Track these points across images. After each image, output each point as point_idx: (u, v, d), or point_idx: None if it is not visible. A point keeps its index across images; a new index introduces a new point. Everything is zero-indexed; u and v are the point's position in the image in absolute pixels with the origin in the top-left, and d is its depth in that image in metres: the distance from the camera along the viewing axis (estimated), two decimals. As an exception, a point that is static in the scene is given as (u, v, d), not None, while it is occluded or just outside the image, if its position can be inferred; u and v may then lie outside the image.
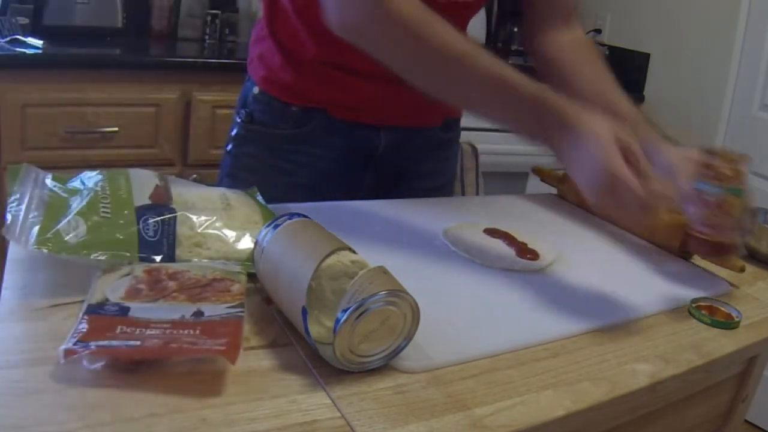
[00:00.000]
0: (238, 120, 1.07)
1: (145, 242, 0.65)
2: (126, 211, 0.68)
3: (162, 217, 0.68)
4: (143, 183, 0.73)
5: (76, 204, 0.68)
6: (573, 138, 0.72)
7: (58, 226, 0.64)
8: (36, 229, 0.63)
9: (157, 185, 0.74)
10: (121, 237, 0.65)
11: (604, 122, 0.71)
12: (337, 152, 1.04)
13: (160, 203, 0.70)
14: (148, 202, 0.70)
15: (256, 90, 1.05)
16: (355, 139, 1.04)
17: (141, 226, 0.66)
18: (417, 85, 0.82)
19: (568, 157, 0.75)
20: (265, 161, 1.05)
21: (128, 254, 0.64)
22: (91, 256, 0.62)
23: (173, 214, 0.68)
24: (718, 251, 0.83)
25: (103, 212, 0.67)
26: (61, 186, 0.72)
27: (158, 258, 0.65)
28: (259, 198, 0.83)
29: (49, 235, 0.62)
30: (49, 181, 0.73)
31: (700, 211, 0.79)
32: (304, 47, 0.98)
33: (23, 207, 0.66)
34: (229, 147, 1.09)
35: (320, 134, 1.03)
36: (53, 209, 0.67)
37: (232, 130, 1.09)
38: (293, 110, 1.02)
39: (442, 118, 1.13)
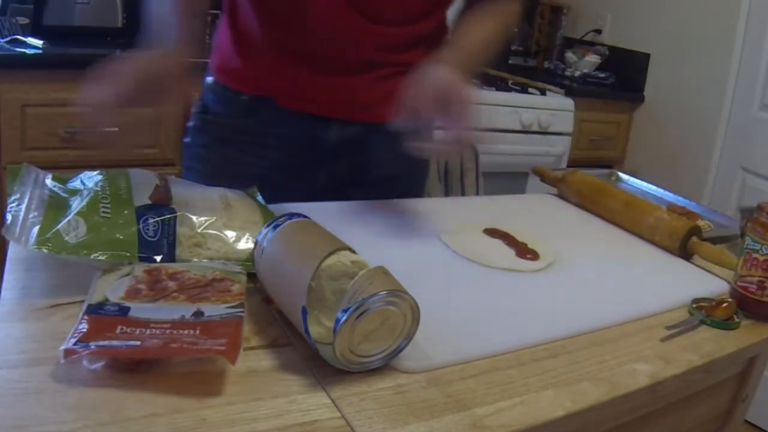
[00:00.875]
0: (194, 110, 1.07)
1: (145, 242, 0.65)
2: (126, 211, 0.68)
3: (162, 217, 0.68)
4: (143, 183, 0.73)
5: (76, 204, 0.68)
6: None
7: (58, 226, 0.64)
8: (36, 229, 0.63)
9: (157, 185, 0.74)
10: (121, 237, 0.65)
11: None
12: (287, 144, 1.03)
13: (160, 203, 0.70)
14: (147, 202, 0.70)
15: (210, 79, 1.05)
16: (305, 130, 1.02)
17: (141, 226, 0.66)
18: None
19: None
20: (216, 151, 1.04)
21: (128, 254, 0.64)
22: (91, 256, 0.62)
23: (173, 214, 0.68)
24: None
25: (103, 212, 0.67)
26: (61, 186, 0.72)
27: (158, 258, 0.65)
28: (259, 198, 0.83)
29: (49, 235, 0.62)
30: (49, 181, 0.73)
31: (751, 270, 0.76)
32: (255, 34, 0.98)
33: (23, 207, 0.66)
34: (186, 138, 1.09)
35: (269, 124, 1.02)
36: (53, 209, 0.67)
37: (188, 122, 1.09)
38: (243, 99, 1.01)
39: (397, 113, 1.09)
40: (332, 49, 0.95)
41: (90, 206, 0.67)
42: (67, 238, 0.63)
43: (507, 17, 1.03)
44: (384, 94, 0.98)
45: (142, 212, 0.68)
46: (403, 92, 0.82)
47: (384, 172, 1.09)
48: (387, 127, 1.04)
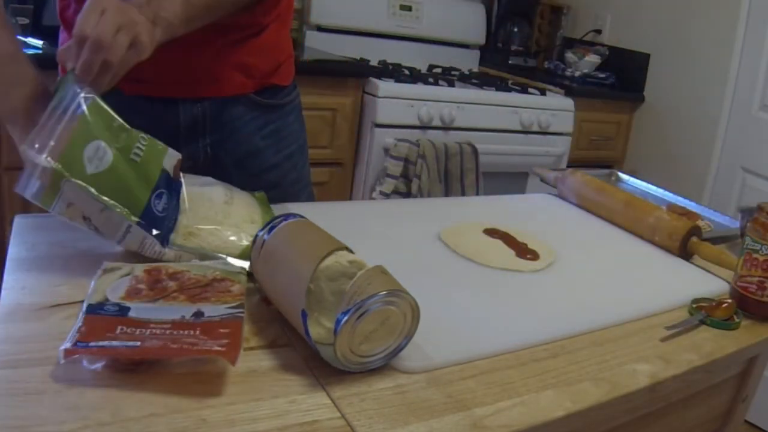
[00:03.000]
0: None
1: (150, 214, 0.66)
2: (154, 167, 0.69)
3: (171, 200, 0.69)
4: (172, 156, 0.75)
5: (117, 130, 0.68)
6: None
7: (86, 150, 0.63)
8: (65, 143, 0.62)
9: (179, 160, 0.75)
10: (132, 193, 0.65)
11: None
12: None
13: (178, 179, 0.73)
14: (171, 173, 0.72)
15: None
16: (151, 116, 0.94)
17: (153, 197, 0.67)
18: None
19: None
20: None
21: (127, 212, 0.64)
22: (99, 195, 0.63)
23: (180, 202, 0.70)
24: None
25: (134, 155, 0.68)
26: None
27: (154, 232, 0.66)
28: (267, 203, 0.83)
29: (73, 155, 0.62)
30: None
31: (751, 271, 0.76)
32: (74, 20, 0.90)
33: (59, 112, 0.64)
34: None
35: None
36: (94, 120, 0.66)
37: None
38: None
39: (255, 83, 1.01)
40: None
41: (129, 140, 0.68)
42: (88, 164, 0.63)
43: None
44: (231, 64, 0.94)
45: (162, 179, 0.69)
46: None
47: (245, 149, 1.02)
48: (240, 100, 0.99)
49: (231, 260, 0.68)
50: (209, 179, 0.81)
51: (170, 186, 0.71)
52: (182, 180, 0.75)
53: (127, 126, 0.70)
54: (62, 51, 0.72)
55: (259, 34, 0.94)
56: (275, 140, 1.06)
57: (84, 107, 0.66)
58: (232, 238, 0.71)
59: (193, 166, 0.98)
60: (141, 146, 0.69)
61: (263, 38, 0.97)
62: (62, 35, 1.00)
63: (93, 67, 0.69)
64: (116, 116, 0.70)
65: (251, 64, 0.92)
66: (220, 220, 0.72)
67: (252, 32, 0.92)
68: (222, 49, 0.94)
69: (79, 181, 0.62)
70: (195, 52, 0.93)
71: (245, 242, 0.70)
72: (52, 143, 0.62)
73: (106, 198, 0.63)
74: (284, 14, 1.04)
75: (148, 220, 0.66)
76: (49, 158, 0.61)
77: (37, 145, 0.61)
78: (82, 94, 0.67)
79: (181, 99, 0.97)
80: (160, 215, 0.67)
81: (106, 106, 0.69)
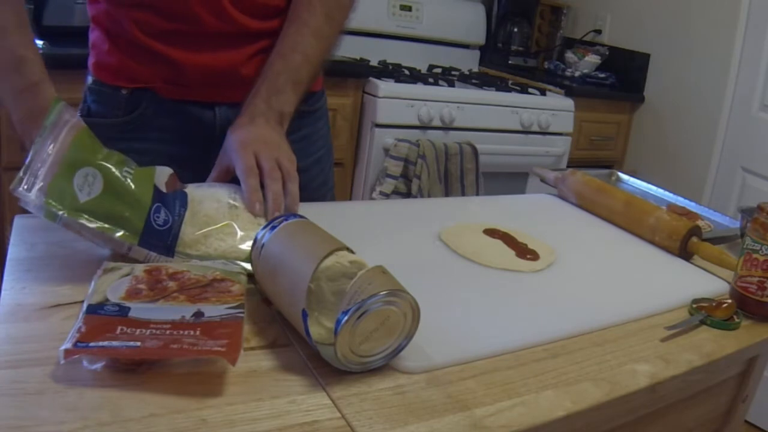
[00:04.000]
0: (78, 116, 1.05)
1: (151, 230, 0.66)
2: (146, 185, 0.68)
3: (172, 209, 0.69)
4: (162, 172, 0.75)
5: (105, 156, 0.68)
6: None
7: (75, 177, 0.63)
8: (51, 178, 0.62)
9: (171, 174, 0.75)
10: (128, 214, 0.65)
11: None
12: (173, 135, 0.99)
13: (174, 189, 0.72)
14: (164, 189, 0.71)
15: (90, 80, 1.02)
16: (189, 119, 0.99)
17: (153, 212, 0.66)
18: None
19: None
20: None
21: (127, 233, 0.64)
22: (91, 225, 0.62)
23: (183, 208, 0.69)
24: None
25: (126, 173, 0.67)
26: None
27: (156, 248, 0.66)
28: None
29: (61, 187, 0.62)
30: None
31: (751, 271, 0.77)
32: (123, 26, 0.95)
33: (44, 141, 0.64)
34: None
35: (153, 117, 0.98)
36: (78, 151, 0.65)
37: None
38: (123, 94, 0.98)
39: None
40: (195, 24, 0.91)
41: (118, 163, 0.67)
42: (79, 193, 0.62)
43: (331, 14, 0.97)
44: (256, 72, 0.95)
45: (158, 195, 0.69)
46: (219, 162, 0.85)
47: None
48: None
49: (235, 263, 0.68)
50: (213, 183, 0.81)
51: (168, 198, 0.70)
52: (186, 189, 0.74)
53: (115, 152, 0.70)
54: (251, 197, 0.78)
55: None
56: (305, 145, 1.07)
57: (70, 136, 0.66)
58: (239, 242, 0.70)
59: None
60: (129, 169, 0.68)
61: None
62: (93, 34, 1.02)
63: (279, 198, 0.78)
64: (102, 146, 0.70)
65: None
66: (228, 223, 0.72)
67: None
68: (258, 55, 0.96)
69: (73, 215, 0.62)
70: (232, 59, 0.95)
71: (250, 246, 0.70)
72: (39, 182, 0.62)
73: (101, 224, 0.63)
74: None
75: (149, 236, 0.65)
76: (39, 195, 0.61)
77: (25, 186, 0.61)
78: (69, 123, 0.68)
79: (218, 103, 0.99)
80: (161, 228, 0.67)
81: (92, 134, 0.70)
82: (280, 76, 0.91)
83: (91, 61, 1.02)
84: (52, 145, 0.64)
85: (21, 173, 0.62)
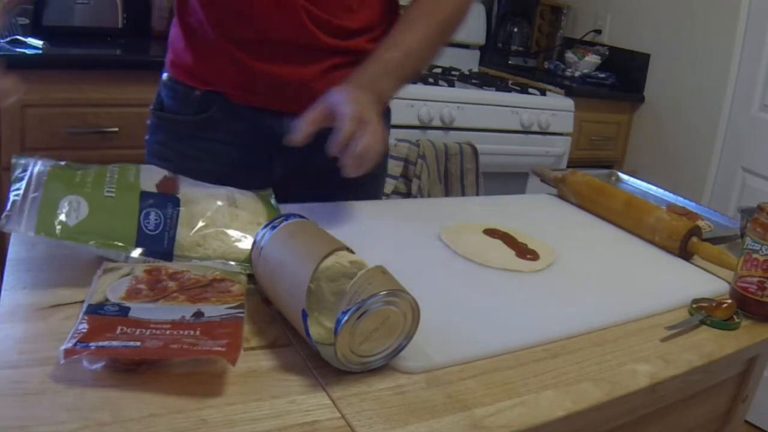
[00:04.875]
0: (150, 108, 1.07)
1: (145, 235, 0.65)
2: (131, 194, 0.68)
3: (164, 211, 0.68)
4: (153, 174, 0.74)
5: (82, 176, 0.68)
6: None
7: (59, 207, 0.63)
8: (36, 211, 0.63)
9: (165, 176, 0.74)
10: (119, 226, 0.65)
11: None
12: (241, 139, 1.02)
13: (167, 192, 0.71)
14: (154, 190, 0.70)
15: (165, 76, 1.05)
16: (257, 125, 1.01)
17: (142, 218, 0.66)
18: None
19: None
20: (173, 149, 1.04)
21: (123, 245, 0.64)
22: (89, 243, 0.63)
23: (176, 208, 0.69)
24: None
25: (108, 191, 0.67)
26: (69, 162, 0.72)
27: (156, 252, 0.65)
28: (273, 201, 0.82)
29: (48, 218, 0.62)
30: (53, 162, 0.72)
31: (751, 271, 0.76)
32: (204, 27, 0.98)
33: (22, 188, 0.66)
34: (146, 137, 1.09)
35: (222, 120, 1.01)
36: (56, 181, 0.66)
37: (147, 120, 1.08)
38: (196, 94, 1.01)
39: None
40: (278, 34, 0.94)
41: (96, 182, 0.67)
42: (67, 219, 0.63)
43: (448, 8, 1.00)
44: (336, 84, 0.97)
45: (146, 198, 0.68)
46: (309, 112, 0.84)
47: (333, 162, 1.08)
48: None
49: (234, 264, 0.68)
50: (209, 184, 0.81)
51: (159, 199, 0.70)
52: (180, 188, 0.74)
53: (91, 171, 0.70)
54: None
55: (358, 61, 0.97)
56: None
57: (43, 177, 0.67)
58: (238, 242, 0.70)
59: (283, 174, 1.04)
60: (111, 187, 0.68)
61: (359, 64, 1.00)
62: (172, 30, 1.05)
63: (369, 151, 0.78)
64: (77, 171, 0.70)
65: None
66: (227, 223, 0.71)
67: (359, 58, 0.95)
68: (330, 72, 0.98)
69: (67, 238, 0.62)
70: (305, 73, 0.98)
71: (250, 245, 0.70)
72: (26, 221, 0.62)
73: (96, 240, 0.63)
74: None
75: (143, 242, 0.65)
76: (29, 229, 0.61)
77: (15, 225, 0.62)
78: (38, 166, 0.68)
79: (287, 113, 1.00)
80: (154, 233, 0.66)
81: (64, 165, 0.70)
82: (390, 63, 0.93)
83: (168, 58, 1.05)
84: (27, 190, 0.65)
85: (6, 213, 0.62)
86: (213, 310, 0.57)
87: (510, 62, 2.82)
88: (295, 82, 0.99)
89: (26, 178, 0.67)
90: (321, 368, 0.55)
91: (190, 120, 1.02)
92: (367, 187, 1.13)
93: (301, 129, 0.80)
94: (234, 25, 0.96)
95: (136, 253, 0.65)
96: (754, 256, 0.76)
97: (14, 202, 0.64)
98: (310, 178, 1.06)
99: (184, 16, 1.01)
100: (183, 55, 1.01)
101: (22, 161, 0.69)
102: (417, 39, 0.96)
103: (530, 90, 2.36)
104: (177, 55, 1.03)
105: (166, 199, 0.69)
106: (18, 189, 0.65)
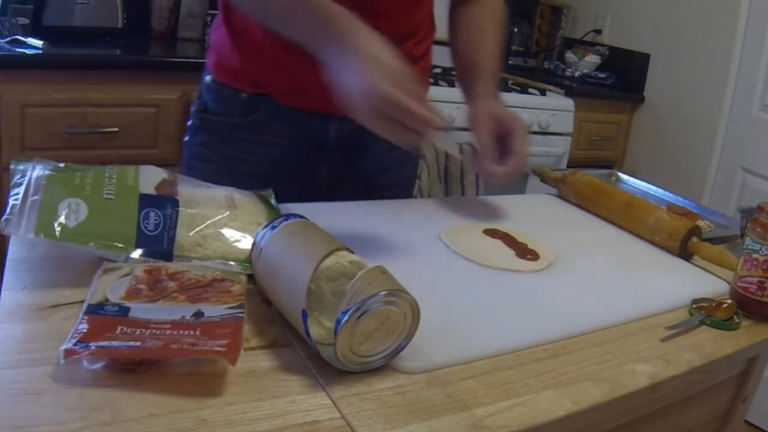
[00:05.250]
0: (193, 109, 1.08)
1: (145, 236, 0.65)
2: (130, 197, 0.68)
3: (164, 211, 0.68)
4: (151, 176, 0.74)
5: (80, 179, 0.68)
6: (350, 57, 0.77)
7: (59, 209, 0.64)
8: (35, 214, 0.63)
9: (164, 178, 0.74)
10: (119, 227, 0.65)
11: (385, 52, 0.77)
12: (286, 141, 1.03)
13: (166, 195, 0.71)
14: (153, 192, 0.70)
15: (208, 78, 1.05)
16: (304, 127, 1.03)
17: (142, 219, 0.66)
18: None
19: (341, 74, 0.79)
20: (216, 150, 1.05)
21: (123, 246, 0.64)
22: (89, 244, 0.63)
23: (176, 209, 0.69)
24: None
25: (107, 194, 0.67)
26: (68, 163, 0.72)
27: (156, 253, 0.65)
28: (273, 201, 0.82)
29: (48, 220, 0.63)
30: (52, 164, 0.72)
31: (751, 271, 0.76)
32: (252, 31, 0.98)
33: (21, 192, 0.66)
34: (186, 137, 1.10)
35: (268, 122, 1.02)
36: (55, 184, 0.67)
37: (188, 121, 1.09)
38: (242, 97, 1.02)
39: None
40: None
41: (95, 185, 0.68)
42: (66, 221, 0.63)
43: (500, 16, 1.07)
44: None
45: (145, 200, 0.68)
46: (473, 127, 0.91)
47: (375, 166, 1.11)
48: None
49: (234, 264, 0.68)
50: (210, 184, 0.81)
51: (158, 201, 0.70)
52: (179, 189, 0.74)
53: (89, 173, 0.70)
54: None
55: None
56: (401, 162, 1.15)
57: (42, 182, 0.67)
58: (237, 242, 0.70)
59: (327, 177, 1.07)
60: (110, 189, 0.69)
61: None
62: (216, 33, 1.06)
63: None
64: (75, 174, 0.70)
65: None
66: (227, 223, 0.71)
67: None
68: None
69: (66, 240, 0.62)
70: None
71: (250, 246, 0.70)
72: (26, 222, 0.62)
73: (96, 241, 0.63)
74: (430, 50, 1.14)
75: (143, 243, 0.65)
76: (28, 231, 0.62)
77: (14, 227, 0.62)
78: (37, 171, 0.69)
79: (334, 117, 1.03)
80: (153, 233, 0.66)
81: (63, 168, 0.71)
82: (497, 71, 1.02)
83: (211, 60, 1.06)
84: (26, 194, 0.66)
85: (5, 217, 0.62)
86: (213, 310, 0.57)
87: (510, 62, 2.82)
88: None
89: (25, 182, 0.67)
90: (321, 368, 0.55)
91: (235, 122, 1.03)
92: (401, 188, 1.17)
93: (488, 145, 0.88)
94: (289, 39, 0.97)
95: (136, 254, 0.65)
96: (754, 256, 0.76)
97: (13, 206, 0.64)
98: (353, 182, 1.09)
99: (232, 21, 1.01)
100: (229, 58, 1.02)
101: (21, 167, 0.69)
102: (495, 49, 1.04)
103: (530, 90, 2.36)
104: (222, 57, 1.03)
105: (165, 200, 0.70)
106: (17, 194, 0.65)
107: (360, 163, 1.10)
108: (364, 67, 0.75)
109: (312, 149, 1.04)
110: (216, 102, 1.04)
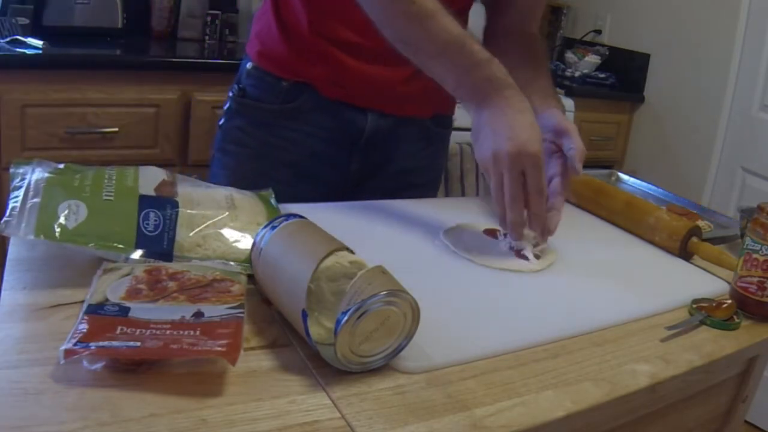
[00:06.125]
0: (231, 94, 1.09)
1: (144, 237, 0.65)
2: (129, 198, 0.68)
3: (164, 212, 0.68)
4: (151, 177, 0.74)
5: (80, 181, 0.68)
6: (501, 107, 0.80)
7: (59, 210, 0.64)
8: (35, 216, 0.63)
9: (164, 179, 0.74)
10: (118, 228, 0.65)
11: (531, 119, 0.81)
12: (324, 131, 1.05)
13: (165, 196, 0.71)
14: (153, 193, 0.70)
15: (249, 65, 1.07)
16: (342, 119, 1.05)
17: (141, 220, 0.66)
18: (384, 33, 0.86)
19: (487, 121, 0.81)
20: (253, 135, 1.06)
21: (123, 247, 0.64)
22: (88, 245, 0.63)
23: (175, 209, 0.69)
24: None
25: (107, 195, 0.67)
26: (68, 164, 0.72)
27: (156, 254, 0.65)
28: (273, 201, 0.82)
29: (48, 222, 0.63)
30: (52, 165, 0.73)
31: (751, 271, 0.76)
32: (298, 20, 1.00)
33: (21, 194, 0.66)
34: (221, 121, 1.11)
35: (308, 111, 1.04)
36: (54, 186, 0.67)
37: (225, 105, 1.10)
38: (283, 85, 1.03)
39: (432, 110, 1.13)
40: (375, 40, 0.95)
41: (94, 186, 0.68)
42: (66, 222, 0.63)
43: (542, 48, 1.12)
44: (420, 90, 1.02)
45: (145, 202, 0.68)
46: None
47: (406, 164, 1.13)
48: (416, 122, 1.11)
49: (234, 264, 0.68)
50: (210, 184, 0.81)
51: (157, 202, 0.70)
52: (179, 190, 0.74)
53: (89, 174, 0.70)
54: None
55: None
56: (429, 162, 1.19)
57: (42, 184, 0.67)
58: (237, 243, 0.70)
59: (360, 169, 1.09)
60: (110, 191, 0.69)
61: None
62: (260, 21, 1.08)
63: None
64: (75, 176, 0.70)
65: (433, 92, 0.96)
66: (226, 223, 0.71)
67: None
68: (416, 73, 1.00)
69: (66, 240, 0.62)
70: (392, 75, 1.02)
71: (250, 246, 0.70)
72: (26, 223, 0.62)
73: (96, 242, 0.64)
74: None
75: (142, 245, 0.65)
76: (27, 233, 0.62)
77: (14, 229, 0.62)
78: (36, 173, 0.69)
79: (372, 110, 1.05)
80: (153, 234, 0.66)
81: (63, 169, 0.71)
82: (549, 88, 1.03)
83: (253, 49, 1.07)
84: (26, 196, 0.66)
85: (5, 219, 0.63)
86: (213, 310, 0.57)
87: (510, 62, 2.82)
88: (381, 82, 1.02)
89: (24, 185, 0.67)
90: (321, 368, 0.55)
91: (275, 109, 1.04)
92: (426, 189, 1.20)
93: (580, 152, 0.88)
94: (334, 28, 0.99)
95: (136, 254, 0.65)
96: (754, 256, 0.76)
97: (13, 208, 0.64)
98: (384, 176, 1.11)
99: (280, 12, 1.03)
100: (274, 46, 1.04)
101: (20, 170, 0.69)
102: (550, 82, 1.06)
103: (530, 90, 2.36)
104: (266, 46, 1.05)
105: (165, 201, 0.70)
106: (17, 196, 0.65)
107: (390, 162, 1.11)
108: (516, 122, 0.79)
109: (347, 141, 1.06)
110: (256, 88, 1.06)
